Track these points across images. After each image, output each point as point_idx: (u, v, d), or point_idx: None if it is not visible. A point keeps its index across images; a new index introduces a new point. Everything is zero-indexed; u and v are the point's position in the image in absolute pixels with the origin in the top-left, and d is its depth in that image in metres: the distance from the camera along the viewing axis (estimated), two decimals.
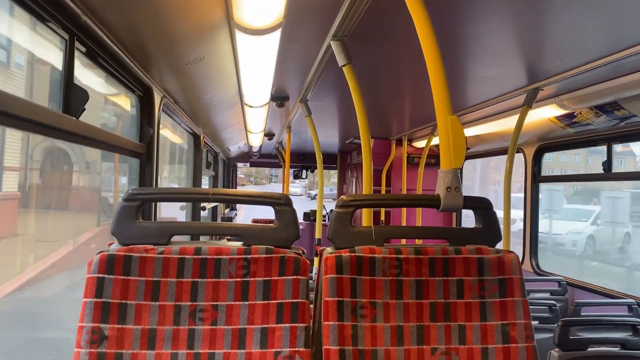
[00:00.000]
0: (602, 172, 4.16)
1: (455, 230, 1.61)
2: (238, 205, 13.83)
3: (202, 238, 2.21)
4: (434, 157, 7.05)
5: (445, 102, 1.58)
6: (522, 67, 3.12)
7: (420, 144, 6.93)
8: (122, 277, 1.42)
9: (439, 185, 1.57)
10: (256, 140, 7.58)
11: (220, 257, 1.48)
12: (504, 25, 2.40)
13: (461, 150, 1.55)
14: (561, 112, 3.88)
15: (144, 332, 1.41)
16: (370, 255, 1.50)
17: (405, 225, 6.84)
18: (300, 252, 1.54)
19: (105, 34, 1.88)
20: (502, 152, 5.85)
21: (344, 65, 2.45)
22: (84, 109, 1.79)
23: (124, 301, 1.41)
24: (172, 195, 1.64)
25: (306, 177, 12.30)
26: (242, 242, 1.54)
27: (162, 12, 1.87)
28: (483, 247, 1.55)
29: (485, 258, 1.53)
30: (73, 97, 1.75)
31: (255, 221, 8.33)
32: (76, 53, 1.79)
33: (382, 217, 7.01)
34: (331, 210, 10.05)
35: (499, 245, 1.64)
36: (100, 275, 1.41)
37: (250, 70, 3.01)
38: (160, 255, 1.45)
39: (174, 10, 1.89)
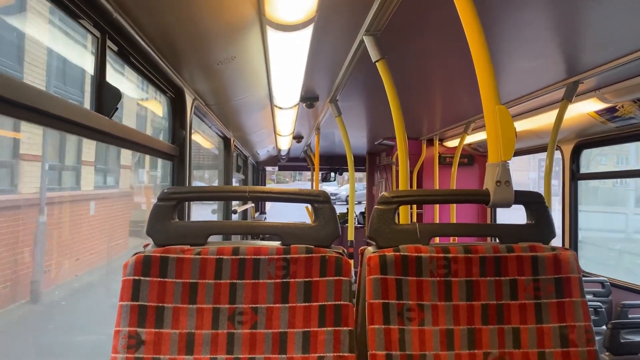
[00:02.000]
0: None
1: (506, 227, 1.51)
2: (267, 210, 13.83)
3: (233, 238, 2.17)
4: (466, 156, 6.90)
5: (493, 91, 1.50)
6: (562, 59, 3.00)
7: (451, 143, 6.79)
8: (158, 279, 1.38)
9: (488, 179, 1.48)
10: (285, 144, 7.55)
11: (259, 257, 1.42)
12: (543, 15, 2.30)
13: (511, 141, 1.46)
14: (602, 106, 3.73)
15: (182, 336, 1.36)
16: (417, 254, 1.42)
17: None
18: (341, 251, 1.47)
19: (136, 32, 1.85)
20: (537, 150, 5.69)
21: (377, 61, 2.38)
22: (117, 108, 1.76)
23: (160, 304, 1.37)
24: (208, 194, 1.59)
25: (334, 180, 12.24)
26: (280, 242, 1.48)
27: (194, 9, 1.84)
28: (537, 245, 1.45)
29: (539, 256, 1.43)
30: (105, 96, 1.72)
31: None
32: (108, 52, 1.76)
33: (414, 218, 6.88)
34: (361, 212, 9.94)
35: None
36: (136, 278, 1.37)
37: (280, 69, 2.96)
38: (197, 256, 1.40)
39: (206, 8, 1.85)
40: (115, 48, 1.86)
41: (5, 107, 1.21)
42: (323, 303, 1.40)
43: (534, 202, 1.51)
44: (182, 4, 1.77)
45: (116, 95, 1.75)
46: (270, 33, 2.26)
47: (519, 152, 6.09)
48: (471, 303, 1.40)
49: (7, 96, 1.18)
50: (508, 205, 1.48)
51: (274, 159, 11.15)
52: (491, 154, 1.49)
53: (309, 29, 2.25)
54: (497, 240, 1.52)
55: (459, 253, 1.42)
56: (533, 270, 1.42)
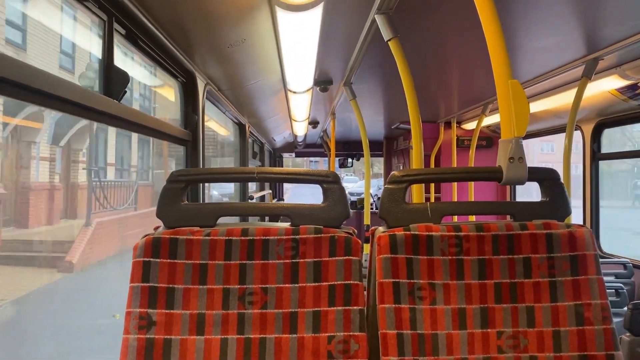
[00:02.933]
0: None
1: (520, 205, 1.48)
2: (286, 198, 13.87)
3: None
4: (485, 139, 6.80)
5: (505, 66, 1.46)
6: (581, 35, 2.92)
7: (470, 125, 6.70)
8: (168, 260, 1.38)
9: (500, 156, 1.45)
10: (301, 129, 7.53)
11: (268, 238, 1.41)
12: None
13: (524, 117, 1.42)
14: (623, 83, 3.63)
15: (193, 317, 1.36)
16: (427, 233, 1.40)
17: None
18: (351, 231, 1.46)
19: (144, 14, 1.84)
20: (556, 130, 5.58)
21: (389, 40, 2.34)
22: (126, 92, 1.76)
23: (171, 285, 1.37)
24: (216, 176, 1.58)
25: (352, 166, 12.21)
26: (290, 223, 1.47)
27: None
28: (552, 222, 1.42)
29: (554, 233, 1.40)
30: (113, 79, 1.72)
31: None
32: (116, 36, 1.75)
33: (432, 198, 6.82)
34: (378, 197, 9.99)
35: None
36: (146, 259, 1.37)
37: (292, 51, 2.94)
38: (206, 237, 1.40)
39: None
40: (123, 31, 1.86)
41: (14, 90, 1.22)
42: (333, 283, 1.39)
43: (549, 179, 1.47)
44: None
45: (124, 78, 1.75)
46: (280, 14, 2.23)
47: (538, 134, 5.99)
48: (484, 282, 1.38)
49: (15, 79, 1.18)
50: (521, 183, 1.45)
51: (291, 146, 11.14)
52: (504, 130, 1.46)
53: (319, 9, 2.22)
54: (511, 218, 1.49)
55: (471, 231, 1.39)
56: (547, 248, 1.39)
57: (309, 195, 21.52)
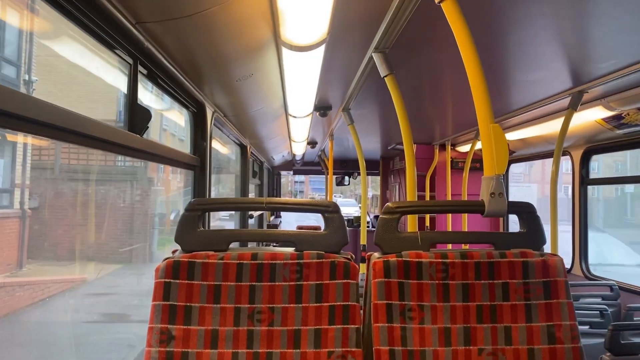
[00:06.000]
0: None
1: (500, 235, 1.66)
2: (283, 213, 14.04)
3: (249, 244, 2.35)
4: (478, 161, 6.98)
5: (487, 110, 1.65)
6: (566, 70, 3.11)
7: (464, 148, 6.89)
8: (186, 281, 1.55)
9: (483, 191, 1.63)
10: (299, 149, 7.72)
11: (275, 262, 1.58)
12: (547, 30, 2.42)
13: (504, 157, 1.61)
14: (608, 113, 3.82)
15: (207, 332, 1.52)
16: (417, 259, 1.57)
17: (451, 229, 6.80)
18: (350, 257, 1.63)
19: (164, 57, 2.03)
20: (548, 155, 5.76)
21: (386, 76, 2.53)
22: (147, 127, 1.94)
23: (188, 304, 1.54)
24: (230, 205, 1.76)
25: (349, 184, 12.38)
26: (294, 248, 1.64)
27: (215, 34, 2.01)
28: (527, 251, 1.60)
29: (529, 261, 1.57)
30: (137, 116, 1.90)
31: (299, 228, 8.48)
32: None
33: (427, 223, 7.00)
34: (375, 216, 10.12)
35: (546, 250, 1.68)
36: (167, 280, 1.54)
37: (295, 83, 3.13)
38: (220, 261, 1.57)
39: (227, 33, 2.02)
40: (144, 72, 2.04)
41: (56, 132, 1.39)
42: (333, 303, 1.56)
43: (526, 212, 1.65)
44: (205, 31, 1.94)
45: (147, 115, 1.93)
46: (285, 53, 2.43)
47: (529, 158, 6.18)
48: (467, 304, 1.55)
49: (59, 124, 1.36)
50: (501, 215, 1.63)
51: (289, 164, 11.33)
52: (486, 168, 1.64)
53: (321, 49, 2.41)
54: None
55: (456, 258, 1.57)
56: (524, 274, 1.57)
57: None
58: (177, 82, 2.38)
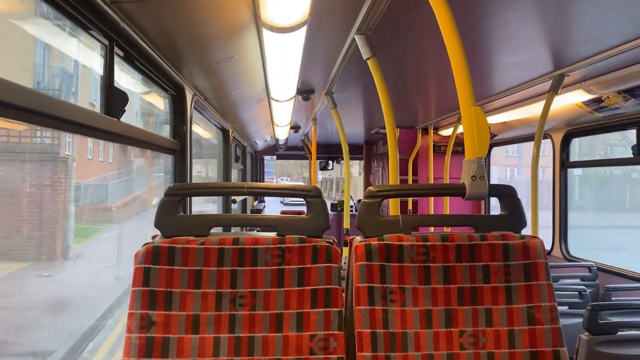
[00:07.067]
0: (632, 156, 4.12)
1: (481, 218, 1.66)
2: (266, 198, 14.04)
3: (232, 229, 2.33)
4: (460, 144, 7.01)
5: (469, 94, 1.64)
6: (547, 53, 3.13)
7: (447, 132, 6.92)
8: (166, 267, 1.53)
9: (464, 174, 1.63)
10: (282, 133, 7.69)
11: (257, 246, 1.57)
12: (528, 13, 2.42)
13: (485, 140, 1.61)
14: (588, 97, 3.86)
15: (189, 317, 1.51)
16: (398, 243, 1.57)
17: (433, 213, 6.85)
18: (331, 241, 1.62)
19: (141, 38, 1.98)
20: (530, 138, 5.82)
21: (368, 59, 2.51)
22: (124, 110, 1.90)
23: (169, 289, 1.52)
24: (209, 190, 1.73)
25: (332, 168, 12.38)
26: (276, 233, 1.63)
27: (194, 15, 1.96)
28: (508, 234, 1.60)
29: (510, 244, 1.58)
30: (114, 99, 1.86)
31: (283, 213, 8.48)
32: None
33: (410, 206, 7.04)
34: (359, 200, 10.16)
35: (526, 232, 1.68)
36: (146, 266, 1.52)
37: (276, 66, 3.09)
38: (201, 246, 1.55)
39: (205, 13, 1.98)
40: (121, 53, 1.99)
41: (29, 115, 1.35)
42: (315, 287, 1.55)
43: (507, 195, 1.66)
44: (183, 11, 1.89)
45: (124, 98, 1.89)
46: (266, 34, 2.39)
47: (511, 141, 6.22)
48: (448, 286, 1.56)
49: (33, 107, 1.32)
50: (482, 198, 1.63)
51: (272, 149, 11.29)
52: (468, 151, 1.63)
53: (303, 30, 2.38)
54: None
55: (437, 241, 1.57)
56: (504, 256, 1.57)
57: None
58: (155, 64, 2.33)
